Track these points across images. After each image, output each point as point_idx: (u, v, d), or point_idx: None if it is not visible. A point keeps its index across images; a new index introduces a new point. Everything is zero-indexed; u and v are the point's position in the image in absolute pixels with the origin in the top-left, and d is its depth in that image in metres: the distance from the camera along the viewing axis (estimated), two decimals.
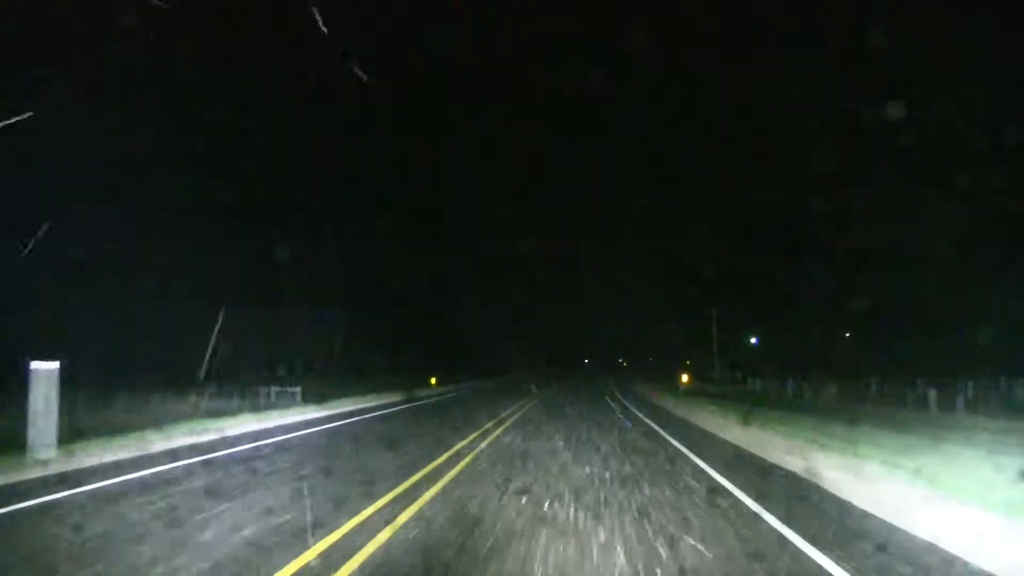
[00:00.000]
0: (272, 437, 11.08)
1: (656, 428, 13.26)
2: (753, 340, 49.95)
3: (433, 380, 29.80)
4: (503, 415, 15.98)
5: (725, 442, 11.05)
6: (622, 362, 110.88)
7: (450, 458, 8.45)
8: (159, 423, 11.41)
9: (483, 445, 9.88)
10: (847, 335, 39.58)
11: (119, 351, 24.24)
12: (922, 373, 20.35)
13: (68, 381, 9.59)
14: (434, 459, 8.24)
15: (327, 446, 10.26)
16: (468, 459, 8.39)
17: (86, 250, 23.02)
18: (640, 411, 18.61)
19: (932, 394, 17.39)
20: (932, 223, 23.43)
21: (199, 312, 26.53)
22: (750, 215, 38.19)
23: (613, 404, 22.07)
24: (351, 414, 16.42)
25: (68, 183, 21.33)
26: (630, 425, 13.96)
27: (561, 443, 10.32)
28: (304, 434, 11.71)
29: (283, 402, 18.29)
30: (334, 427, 13.20)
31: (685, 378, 37.39)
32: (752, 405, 17.76)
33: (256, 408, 15.82)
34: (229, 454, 8.98)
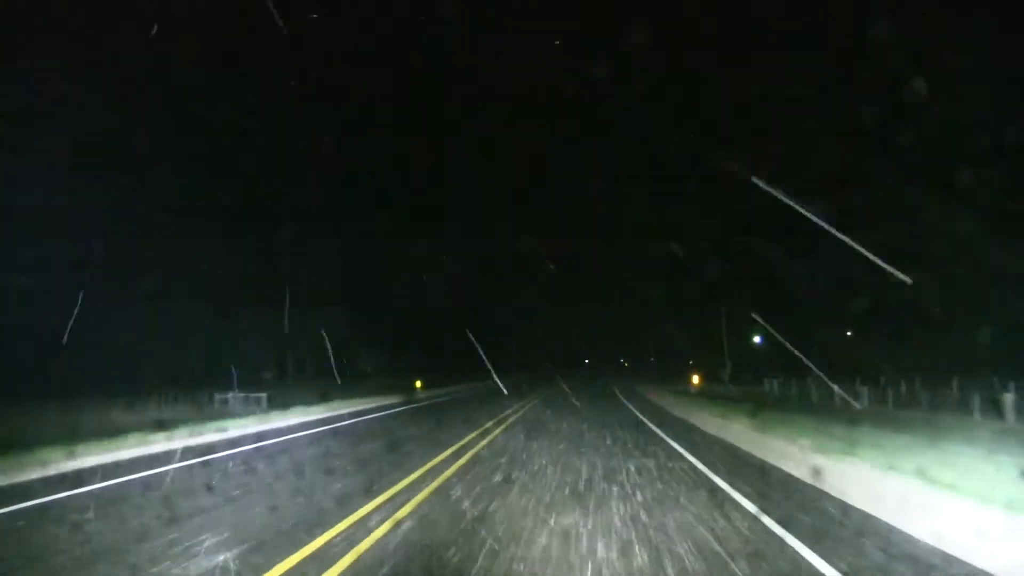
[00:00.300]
0: (150, 468, 8.41)
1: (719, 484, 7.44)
2: (757, 339, 49.79)
3: (418, 383, 28.48)
4: (468, 439, 11.51)
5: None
6: (623, 362, 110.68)
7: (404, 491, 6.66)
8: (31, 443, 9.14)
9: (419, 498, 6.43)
10: (848, 334, 39.47)
11: (100, 351, 23.85)
12: (923, 372, 20.18)
13: None
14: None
15: (209, 492, 7.10)
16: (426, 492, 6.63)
17: (86, 250, 23.10)
18: (663, 429, 13.64)
19: (1008, 398, 14.71)
20: (931, 223, 23.40)
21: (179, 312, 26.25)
22: (751, 215, 38.01)
23: (623, 415, 17.62)
24: (308, 425, 14.35)
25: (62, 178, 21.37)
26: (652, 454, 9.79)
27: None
28: (214, 460, 9.22)
29: (245, 409, 16.38)
30: (260, 448, 10.68)
31: (696, 379, 34.47)
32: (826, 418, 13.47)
33: (201, 418, 13.63)
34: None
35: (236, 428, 12.92)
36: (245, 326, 32.20)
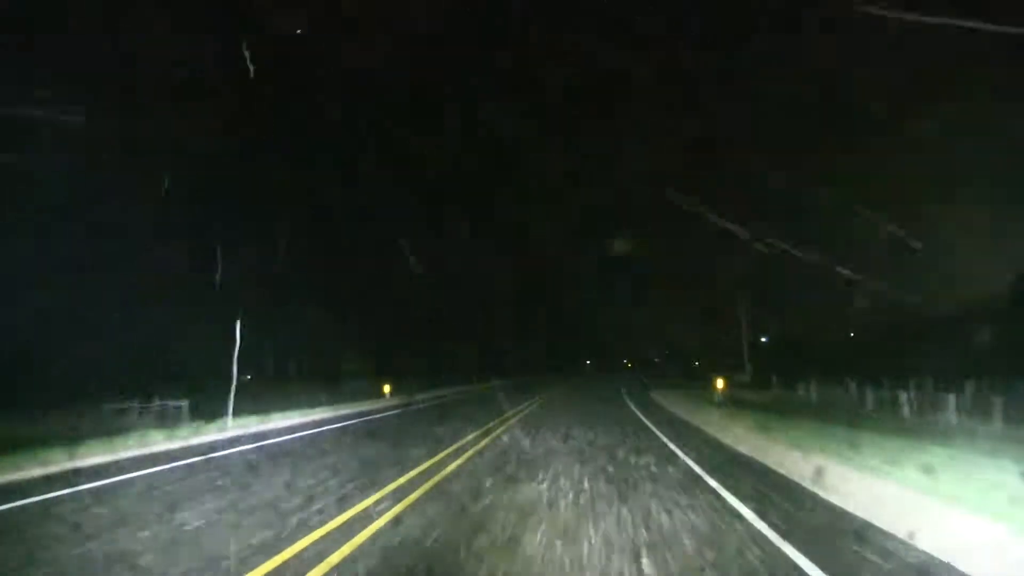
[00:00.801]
0: None
1: None
2: (763, 339, 48.45)
3: (387, 388, 25.81)
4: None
5: None
6: (627, 363, 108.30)
7: None
8: None
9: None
10: (851, 334, 38.20)
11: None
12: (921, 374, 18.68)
13: None
14: None
15: None
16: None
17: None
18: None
19: None
20: None
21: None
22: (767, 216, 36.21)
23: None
24: (215, 446, 10.99)
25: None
26: None
27: None
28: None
29: (152, 424, 13.50)
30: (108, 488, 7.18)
31: (720, 383, 27.20)
32: None
33: (78, 437, 10.38)
34: None
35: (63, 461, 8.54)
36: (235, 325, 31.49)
